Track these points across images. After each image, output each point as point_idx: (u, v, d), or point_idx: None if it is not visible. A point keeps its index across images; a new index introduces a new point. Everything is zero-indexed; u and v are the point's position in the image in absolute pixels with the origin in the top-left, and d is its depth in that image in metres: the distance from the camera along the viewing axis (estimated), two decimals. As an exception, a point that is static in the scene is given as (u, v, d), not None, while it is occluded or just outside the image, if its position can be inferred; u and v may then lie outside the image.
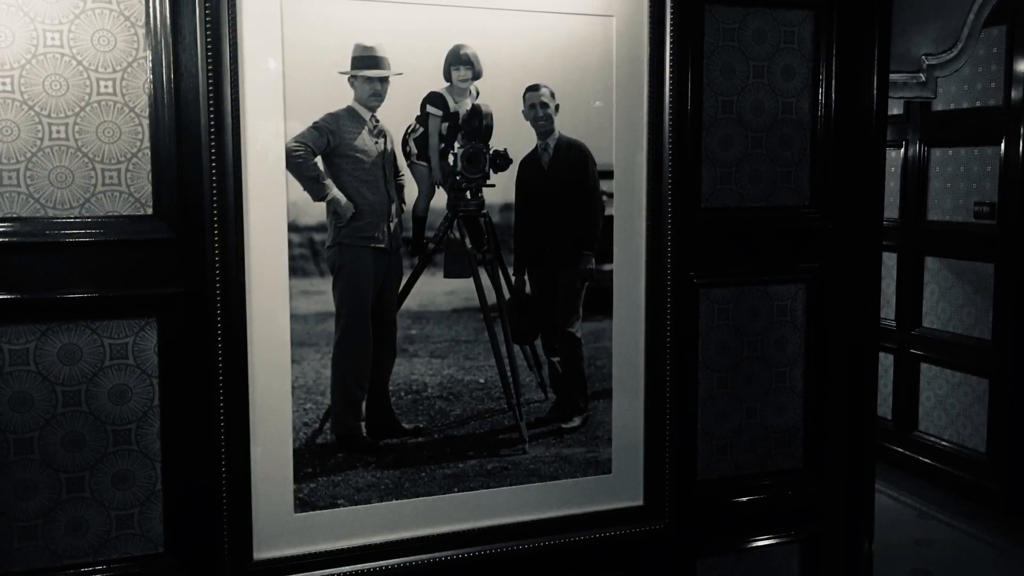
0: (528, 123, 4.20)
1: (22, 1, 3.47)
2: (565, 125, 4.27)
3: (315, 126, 3.88)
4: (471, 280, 4.23)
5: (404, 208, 4.09)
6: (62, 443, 3.73)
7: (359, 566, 4.11)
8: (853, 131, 4.81)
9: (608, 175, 4.37)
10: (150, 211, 3.72)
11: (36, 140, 3.55)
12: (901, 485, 8.62)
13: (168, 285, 3.77)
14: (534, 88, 4.19)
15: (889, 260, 9.00)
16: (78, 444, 3.75)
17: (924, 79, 5.40)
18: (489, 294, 4.26)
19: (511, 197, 4.22)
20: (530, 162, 4.24)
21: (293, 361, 3.97)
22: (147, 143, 3.68)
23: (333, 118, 3.90)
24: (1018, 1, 7.50)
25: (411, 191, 4.09)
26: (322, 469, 4.08)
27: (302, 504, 4.04)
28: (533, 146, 4.23)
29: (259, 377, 3.92)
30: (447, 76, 4.05)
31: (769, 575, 5.01)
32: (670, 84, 4.34)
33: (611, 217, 4.41)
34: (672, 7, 4.30)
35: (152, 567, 3.90)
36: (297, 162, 3.85)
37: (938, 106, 8.49)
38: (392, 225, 4.07)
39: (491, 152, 4.15)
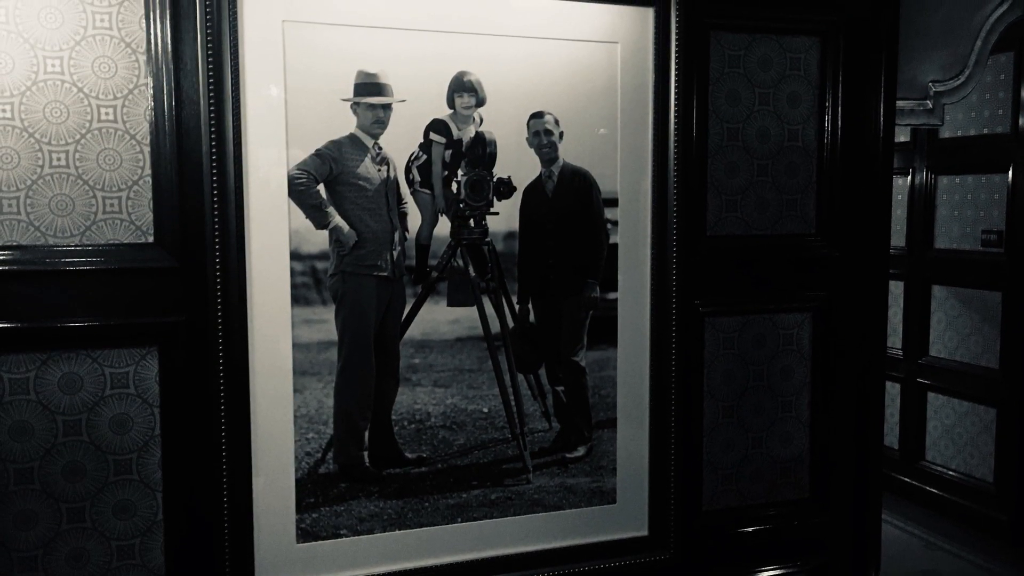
0: (532, 150, 4.19)
1: (22, 28, 3.47)
2: (569, 152, 4.25)
3: (317, 153, 3.86)
4: (475, 309, 4.21)
5: (407, 236, 4.07)
6: (63, 473, 3.70)
7: (362, 597, 4.08)
8: (860, 158, 4.79)
9: (613, 203, 4.35)
10: (151, 239, 3.70)
11: (36, 167, 3.53)
12: (908, 515, 8.58)
13: (169, 314, 3.75)
14: (538, 115, 4.17)
15: (896, 288, 8.96)
16: (79, 474, 3.72)
17: (931, 106, 5.38)
18: (493, 323, 4.24)
19: (515, 225, 4.20)
20: (534, 190, 4.22)
21: (295, 390, 3.95)
22: (148, 171, 3.67)
23: (335, 145, 3.88)
24: (1026, 28, 7.49)
25: (414, 219, 4.08)
26: (324, 499, 4.05)
27: (304, 534, 4.01)
28: (537, 173, 4.22)
29: (261, 406, 3.90)
30: (450, 103, 4.03)
31: (776, 606, 4.98)
32: (675, 111, 4.32)
33: (616, 245, 4.39)
34: (677, 33, 4.29)
35: (153, 597, 3.87)
36: (299, 190, 3.84)
37: (945, 133, 8.46)
38: (395, 253, 4.05)
39: (495, 180, 4.13)
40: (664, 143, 4.35)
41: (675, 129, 4.33)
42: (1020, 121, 7.71)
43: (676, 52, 4.30)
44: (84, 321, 3.64)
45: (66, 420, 3.68)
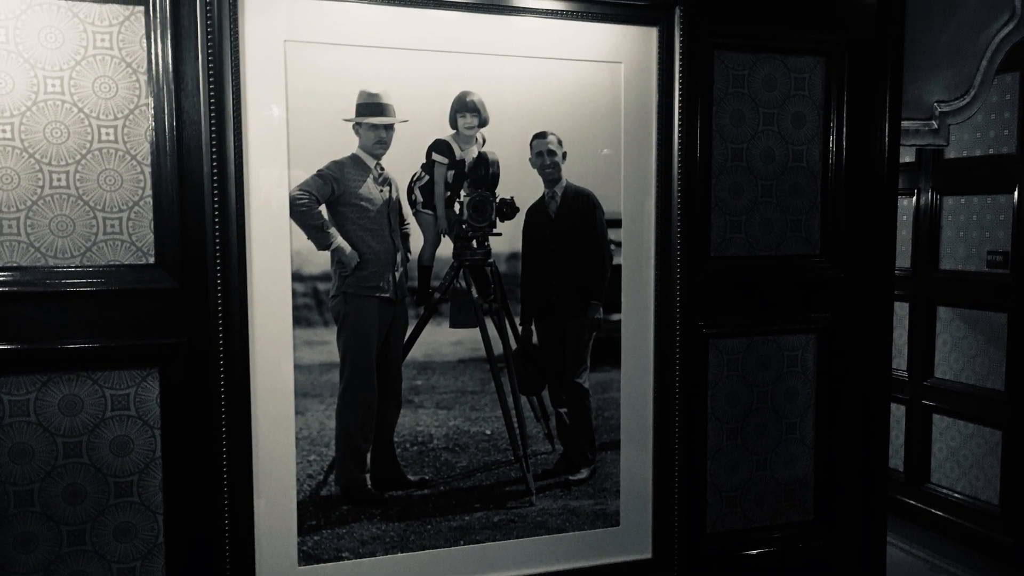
0: (535, 171, 4.17)
1: (23, 47, 3.46)
2: (573, 173, 4.23)
3: (319, 174, 3.85)
4: (477, 330, 4.19)
5: (409, 257, 4.06)
6: (63, 495, 3.68)
7: (363, 620, 4.06)
8: (864, 179, 4.78)
9: (616, 223, 4.34)
10: (152, 260, 3.69)
11: (36, 188, 3.52)
12: (913, 538, 8.54)
13: (170, 335, 3.73)
14: (541, 135, 4.16)
15: (901, 310, 8.94)
16: (79, 496, 3.71)
17: (936, 126, 5.37)
18: (496, 344, 4.22)
19: (518, 246, 4.19)
20: (537, 210, 4.20)
21: (297, 412, 3.93)
22: (149, 191, 3.66)
23: (337, 166, 3.87)
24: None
25: (416, 240, 4.06)
26: (326, 521, 4.03)
27: (306, 557, 3.99)
28: (540, 194, 4.20)
29: (262, 428, 3.88)
30: (453, 123, 4.02)
31: (781, 629, 4.95)
32: (679, 131, 4.31)
33: (619, 266, 4.38)
34: (681, 53, 4.28)
35: (154, 622, 3.85)
36: (301, 210, 3.82)
37: (950, 154, 8.45)
38: (397, 274, 4.04)
39: (497, 200, 4.11)
40: (668, 163, 4.33)
41: (679, 149, 4.32)
42: (1026, 141, 7.70)
43: (680, 72, 4.29)
44: (84, 342, 3.63)
45: (66, 442, 3.67)
